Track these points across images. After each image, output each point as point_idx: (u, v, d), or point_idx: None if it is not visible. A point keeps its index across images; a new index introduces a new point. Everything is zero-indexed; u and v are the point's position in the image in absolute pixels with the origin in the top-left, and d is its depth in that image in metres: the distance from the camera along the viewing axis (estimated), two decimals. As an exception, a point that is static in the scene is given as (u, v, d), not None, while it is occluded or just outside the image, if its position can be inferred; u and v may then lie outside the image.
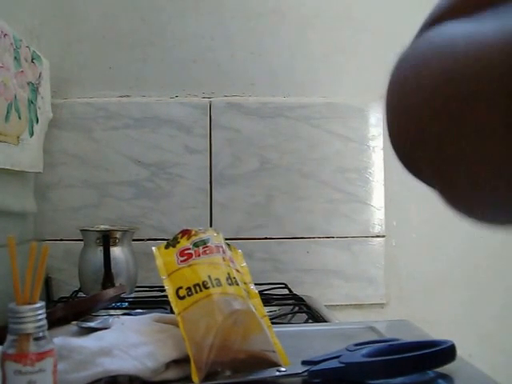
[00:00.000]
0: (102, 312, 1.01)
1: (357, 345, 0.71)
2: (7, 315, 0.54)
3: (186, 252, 0.70)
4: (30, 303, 0.55)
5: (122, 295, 0.96)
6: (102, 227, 1.23)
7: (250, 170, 1.42)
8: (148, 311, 1.01)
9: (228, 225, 1.40)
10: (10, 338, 0.54)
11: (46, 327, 0.55)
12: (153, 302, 1.21)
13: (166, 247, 0.72)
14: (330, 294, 1.43)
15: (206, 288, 0.66)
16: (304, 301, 1.22)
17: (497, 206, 0.31)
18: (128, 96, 1.42)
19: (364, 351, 0.67)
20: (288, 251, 1.43)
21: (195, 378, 0.62)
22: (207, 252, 0.70)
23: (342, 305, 1.44)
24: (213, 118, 1.42)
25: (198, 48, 1.44)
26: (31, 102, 1.18)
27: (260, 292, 0.79)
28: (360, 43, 1.46)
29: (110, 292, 0.87)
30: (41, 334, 0.54)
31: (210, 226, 1.40)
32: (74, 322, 0.72)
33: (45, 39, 1.37)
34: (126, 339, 0.66)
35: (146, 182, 1.40)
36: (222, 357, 0.64)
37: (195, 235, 0.72)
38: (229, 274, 0.68)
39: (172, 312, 0.67)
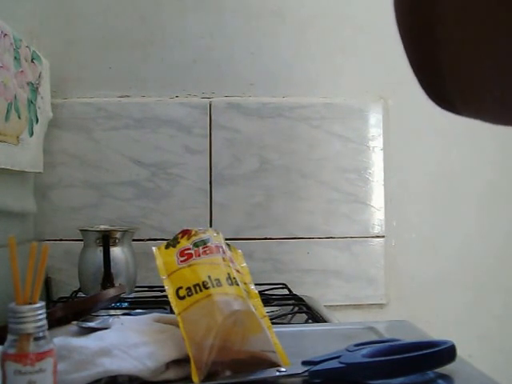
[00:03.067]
0: (102, 312, 1.01)
1: (357, 345, 0.71)
2: (7, 315, 0.54)
3: (186, 252, 0.70)
4: (30, 303, 0.55)
5: (122, 295, 0.96)
6: (102, 227, 1.23)
7: (249, 170, 1.42)
8: (148, 311, 1.01)
9: (228, 225, 1.40)
10: (10, 337, 0.54)
11: (46, 327, 0.55)
12: (153, 302, 1.21)
13: (166, 247, 0.72)
14: (329, 294, 1.43)
15: (206, 288, 0.66)
16: (304, 301, 1.22)
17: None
18: (128, 96, 1.42)
19: (364, 351, 0.67)
20: (288, 251, 1.43)
21: (195, 378, 0.62)
22: (207, 252, 0.70)
23: (341, 305, 1.44)
24: (213, 118, 1.42)
25: (198, 48, 1.44)
26: (31, 102, 1.18)
27: (260, 292, 0.79)
28: (360, 43, 1.46)
29: (110, 292, 0.87)
30: (41, 334, 0.54)
31: (210, 226, 1.40)
32: (74, 322, 0.72)
33: (45, 39, 1.37)
34: (126, 339, 0.66)
35: (145, 182, 1.40)
36: (222, 357, 0.64)
37: (195, 235, 0.72)
38: (229, 274, 0.68)
39: (172, 312, 0.67)
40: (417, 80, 0.34)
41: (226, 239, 0.75)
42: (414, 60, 0.33)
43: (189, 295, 0.66)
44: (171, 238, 0.73)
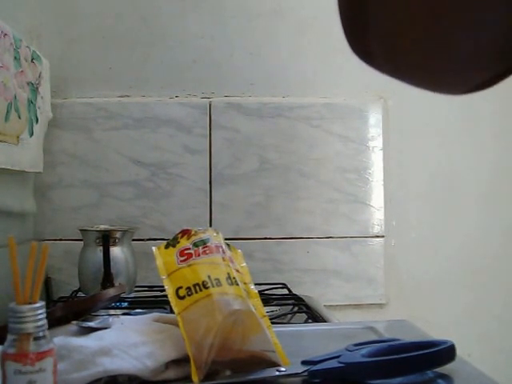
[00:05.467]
0: (102, 312, 1.01)
1: (356, 345, 0.71)
2: (7, 315, 0.54)
3: (185, 252, 0.70)
4: (30, 303, 0.55)
5: (122, 295, 0.96)
6: (102, 227, 1.23)
7: (249, 169, 1.42)
8: (148, 311, 1.01)
9: (228, 225, 1.40)
10: (10, 337, 0.54)
11: (46, 327, 0.55)
12: (152, 301, 1.21)
13: (166, 247, 0.72)
14: (329, 294, 1.43)
15: (206, 288, 0.66)
16: (304, 301, 1.22)
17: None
18: (128, 96, 1.42)
19: (364, 351, 0.67)
20: (288, 251, 1.43)
21: (195, 377, 0.62)
22: (207, 252, 0.70)
23: (341, 305, 1.44)
24: (213, 118, 1.42)
25: (198, 48, 1.44)
26: (31, 102, 1.18)
27: (260, 292, 0.79)
28: (360, 43, 1.45)
29: (110, 292, 0.87)
30: (41, 334, 0.54)
31: (210, 225, 1.40)
32: (74, 322, 0.72)
33: (45, 39, 1.37)
34: (126, 339, 0.66)
35: (145, 182, 1.40)
36: (221, 357, 0.64)
37: (195, 235, 0.72)
38: (229, 273, 0.68)
39: (172, 312, 0.67)
40: (344, 33, 0.34)
41: (226, 239, 0.75)
42: (344, 13, 0.33)
43: (189, 295, 0.66)
44: (171, 237, 0.73)
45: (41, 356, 0.53)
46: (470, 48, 0.29)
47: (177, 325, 0.65)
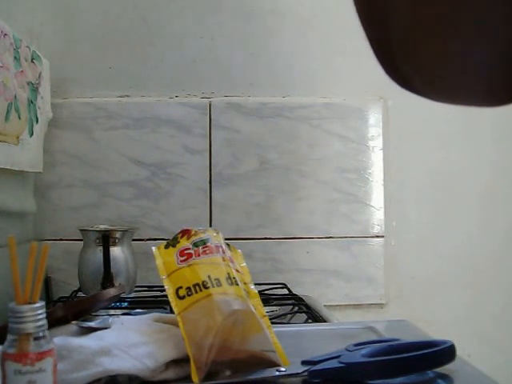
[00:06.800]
0: (102, 312, 1.01)
1: (356, 345, 0.71)
2: (7, 315, 0.54)
3: (185, 252, 0.70)
4: (30, 303, 0.55)
5: (122, 295, 0.96)
6: (102, 227, 1.23)
7: (249, 170, 1.42)
8: (148, 311, 1.01)
9: (227, 225, 1.40)
10: (10, 337, 0.54)
11: (46, 327, 0.55)
12: (152, 301, 1.21)
13: (166, 247, 0.72)
14: (329, 294, 1.43)
15: (206, 288, 0.66)
16: (304, 301, 1.22)
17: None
18: (128, 96, 1.42)
19: (364, 351, 0.67)
20: (287, 251, 1.43)
21: (195, 377, 0.62)
22: (207, 252, 0.70)
23: (341, 305, 1.44)
24: (212, 118, 1.42)
25: (198, 48, 1.44)
26: (31, 102, 1.18)
27: (260, 292, 0.79)
28: (360, 43, 1.45)
29: (110, 292, 0.87)
30: (41, 334, 0.54)
31: (210, 225, 1.40)
32: (74, 322, 0.72)
33: (45, 39, 1.37)
34: (126, 339, 0.66)
35: (145, 182, 1.40)
36: (221, 357, 0.64)
37: (195, 235, 0.72)
38: (228, 273, 0.68)
39: (172, 312, 0.67)
40: (378, 62, 0.35)
41: (226, 239, 0.75)
42: (373, 43, 0.34)
43: (188, 295, 0.66)
44: (171, 237, 0.73)
45: (41, 356, 0.53)
46: (490, 59, 0.30)
47: (177, 325, 0.65)
